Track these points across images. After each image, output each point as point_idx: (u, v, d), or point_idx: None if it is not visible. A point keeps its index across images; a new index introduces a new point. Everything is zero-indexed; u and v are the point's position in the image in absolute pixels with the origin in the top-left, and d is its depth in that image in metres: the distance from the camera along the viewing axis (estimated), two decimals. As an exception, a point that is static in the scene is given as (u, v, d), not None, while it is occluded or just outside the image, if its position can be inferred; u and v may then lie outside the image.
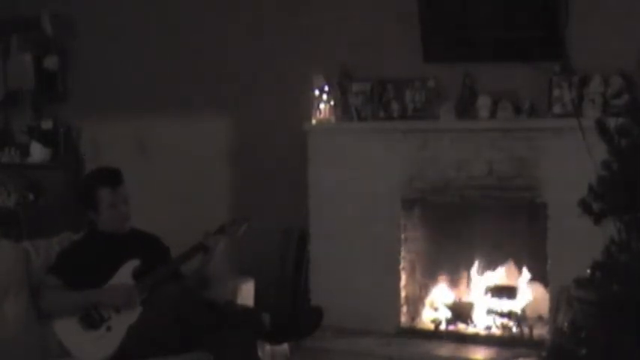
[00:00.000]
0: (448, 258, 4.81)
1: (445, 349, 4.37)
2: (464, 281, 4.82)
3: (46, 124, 5.70)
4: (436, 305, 4.73)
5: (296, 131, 4.78)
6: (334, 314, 4.01)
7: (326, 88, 4.77)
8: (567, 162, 4.07)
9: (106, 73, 5.56)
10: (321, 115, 4.79)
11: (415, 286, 4.75)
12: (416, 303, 4.75)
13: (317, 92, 4.78)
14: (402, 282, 4.64)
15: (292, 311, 4.56)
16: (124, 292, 3.48)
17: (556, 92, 4.27)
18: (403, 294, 4.65)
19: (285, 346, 3.81)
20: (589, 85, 4.18)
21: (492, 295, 4.60)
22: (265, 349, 3.62)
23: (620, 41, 4.09)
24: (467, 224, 4.71)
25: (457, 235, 4.74)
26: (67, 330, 3.47)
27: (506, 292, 4.58)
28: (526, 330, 4.37)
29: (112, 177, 3.66)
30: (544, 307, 4.35)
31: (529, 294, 4.55)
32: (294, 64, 4.93)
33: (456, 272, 4.82)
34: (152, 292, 3.52)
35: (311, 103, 4.79)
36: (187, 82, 5.29)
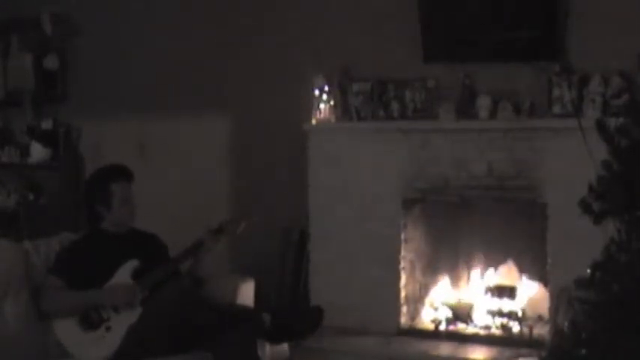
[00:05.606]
0: (448, 258, 4.82)
1: (445, 349, 4.37)
2: (464, 281, 4.82)
3: (46, 124, 5.69)
4: (436, 305, 4.73)
5: (296, 131, 4.78)
6: (334, 314, 4.02)
7: (326, 88, 4.76)
8: (567, 162, 4.07)
9: (106, 73, 5.55)
10: (321, 115, 4.78)
11: (415, 286, 4.75)
12: (416, 303, 4.75)
13: (317, 92, 4.77)
14: (402, 282, 4.64)
15: (292, 311, 4.55)
16: (124, 291, 3.49)
17: (556, 92, 4.27)
18: (403, 294, 4.65)
19: (285, 346, 3.81)
20: (589, 85, 4.18)
21: (492, 295, 4.61)
22: (265, 349, 3.62)
23: (620, 41, 4.09)
24: (467, 224, 4.71)
25: (457, 235, 4.75)
26: (67, 330, 3.47)
27: (506, 292, 4.58)
28: (526, 330, 4.37)
29: (125, 172, 3.73)
30: (544, 307, 4.35)
31: (529, 294, 4.55)
32: (294, 64, 4.93)
33: (455, 272, 4.83)
34: (152, 292, 3.52)
35: (311, 103, 4.79)
36: (187, 82, 5.28)
